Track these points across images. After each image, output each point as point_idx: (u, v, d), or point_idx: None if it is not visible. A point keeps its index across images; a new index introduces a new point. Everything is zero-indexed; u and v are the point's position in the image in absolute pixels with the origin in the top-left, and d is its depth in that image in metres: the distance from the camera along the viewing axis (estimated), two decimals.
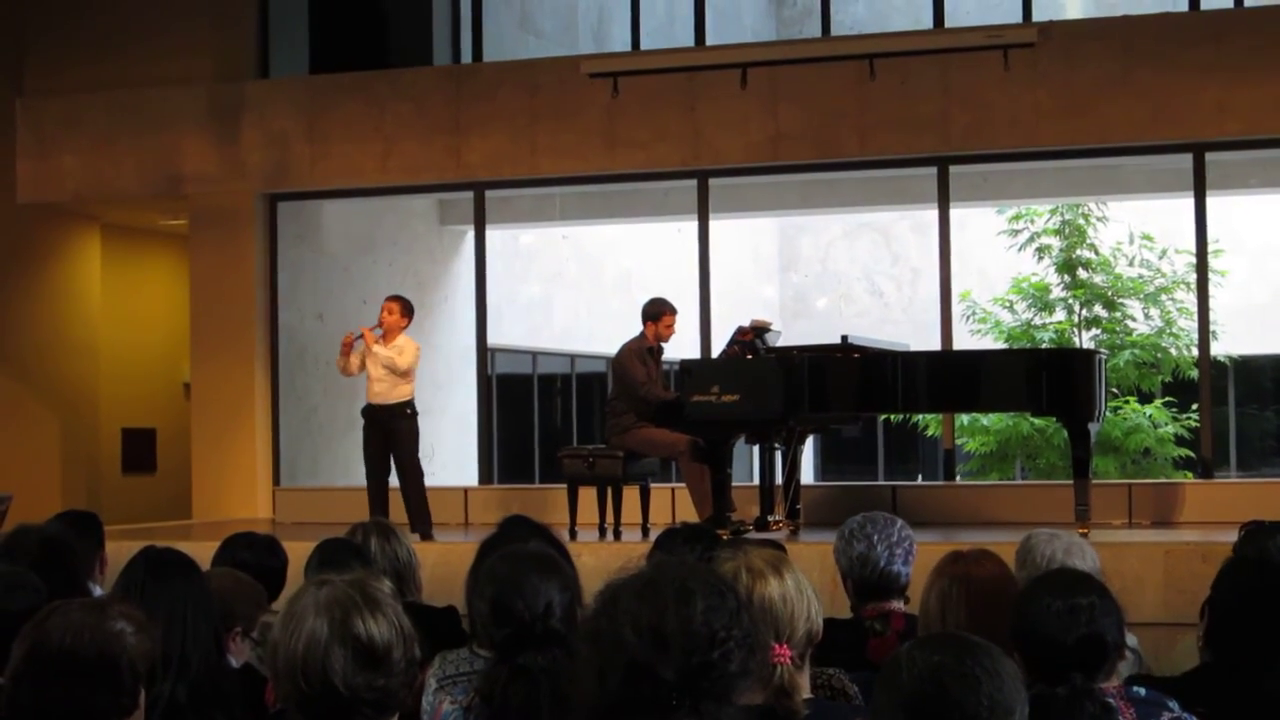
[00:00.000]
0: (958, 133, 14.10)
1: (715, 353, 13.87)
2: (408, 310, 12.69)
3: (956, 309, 16.13)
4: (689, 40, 15.56)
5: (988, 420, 19.33)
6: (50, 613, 3.45)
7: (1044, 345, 18.96)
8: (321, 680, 3.05)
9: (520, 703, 3.94)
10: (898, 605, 5.30)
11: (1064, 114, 13.83)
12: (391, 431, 12.48)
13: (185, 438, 16.45)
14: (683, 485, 12.34)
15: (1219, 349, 17.50)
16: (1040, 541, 5.24)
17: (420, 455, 12.72)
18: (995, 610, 4.18)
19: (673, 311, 12.33)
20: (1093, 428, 11.39)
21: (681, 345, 14.13)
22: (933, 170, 14.57)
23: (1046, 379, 11.29)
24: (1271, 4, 14.32)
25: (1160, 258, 19.83)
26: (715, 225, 15.34)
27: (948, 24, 14.92)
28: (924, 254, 18.84)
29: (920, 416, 20.04)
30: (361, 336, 12.52)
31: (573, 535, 11.75)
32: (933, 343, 14.63)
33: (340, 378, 16.45)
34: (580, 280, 21.53)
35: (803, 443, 12.95)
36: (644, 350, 12.21)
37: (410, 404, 12.56)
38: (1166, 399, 19.32)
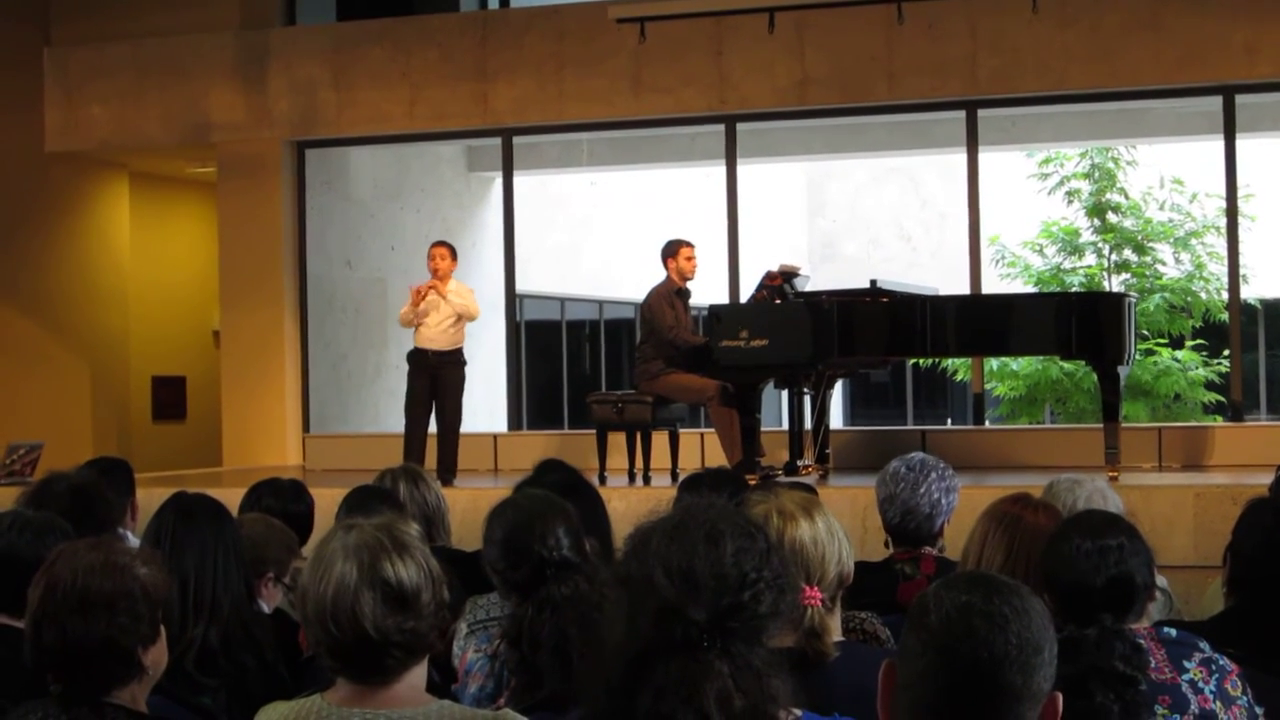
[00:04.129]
0: (986, 76, 14.02)
1: (744, 298, 13.85)
2: (455, 254, 12.67)
3: (985, 253, 16.09)
4: None
5: (1017, 364, 19.32)
6: (57, 556, 3.51)
7: (1073, 289, 18.95)
8: (351, 624, 3.06)
9: (550, 637, 3.93)
10: (929, 549, 5.30)
11: (1092, 57, 13.74)
12: (441, 378, 12.41)
13: (215, 385, 16.50)
14: (712, 430, 12.33)
15: (1249, 293, 17.44)
16: (1062, 490, 5.22)
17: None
18: (1031, 561, 4.17)
19: (689, 244, 12.24)
20: (1122, 371, 11.35)
21: (710, 290, 14.11)
22: (961, 114, 14.50)
23: (1076, 322, 11.24)
24: None
25: (1190, 201, 19.78)
26: (743, 170, 15.30)
27: None
28: (952, 198, 18.79)
29: (949, 361, 20.05)
30: (433, 288, 12.36)
31: (602, 480, 11.73)
32: (961, 287, 14.59)
33: (369, 325, 16.49)
34: (608, 226, 21.52)
35: (831, 387, 12.94)
36: (671, 293, 12.16)
37: (462, 351, 12.54)
38: (1196, 342, 19.30)
